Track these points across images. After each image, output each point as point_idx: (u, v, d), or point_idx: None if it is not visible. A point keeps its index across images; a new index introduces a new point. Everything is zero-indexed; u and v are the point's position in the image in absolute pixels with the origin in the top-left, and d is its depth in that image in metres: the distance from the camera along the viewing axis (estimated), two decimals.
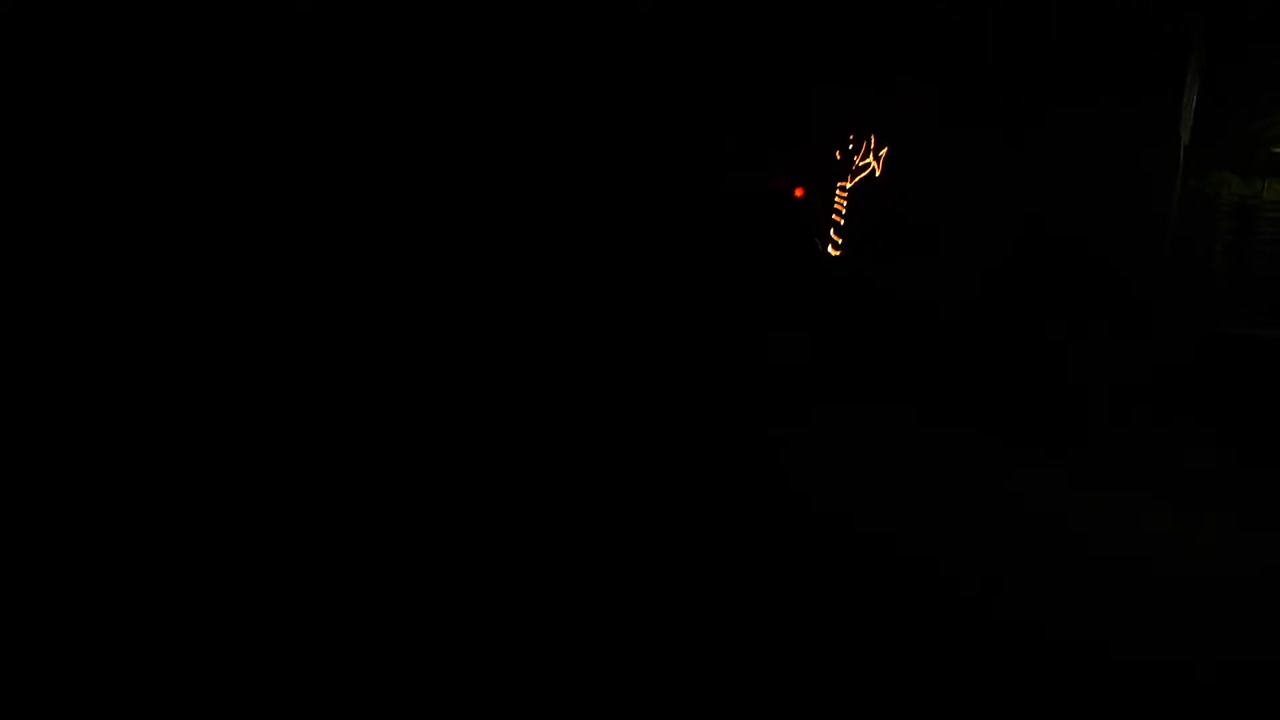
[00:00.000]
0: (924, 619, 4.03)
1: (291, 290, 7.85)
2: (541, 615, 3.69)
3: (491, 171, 8.99)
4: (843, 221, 10.16)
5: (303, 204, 8.07)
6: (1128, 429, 8.47)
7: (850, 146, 10.16)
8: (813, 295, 10.07)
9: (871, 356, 9.68)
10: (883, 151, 9.94)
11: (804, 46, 10.04)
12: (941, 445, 7.61)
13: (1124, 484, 6.86)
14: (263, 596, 3.52)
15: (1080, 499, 6.37)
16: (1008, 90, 9.26)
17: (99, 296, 6.98)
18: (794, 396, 9.14)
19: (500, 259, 9.04)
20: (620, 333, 9.40)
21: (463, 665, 3.28)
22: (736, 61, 10.07)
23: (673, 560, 4.51)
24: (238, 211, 7.78)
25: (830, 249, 10.19)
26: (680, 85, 10.16)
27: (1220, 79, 8.78)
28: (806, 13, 10.00)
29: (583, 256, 9.65)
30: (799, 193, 10.30)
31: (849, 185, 10.13)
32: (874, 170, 9.99)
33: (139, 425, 5.17)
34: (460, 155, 8.84)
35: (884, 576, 4.53)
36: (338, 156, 8.18)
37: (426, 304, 8.30)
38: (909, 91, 9.73)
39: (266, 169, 7.89)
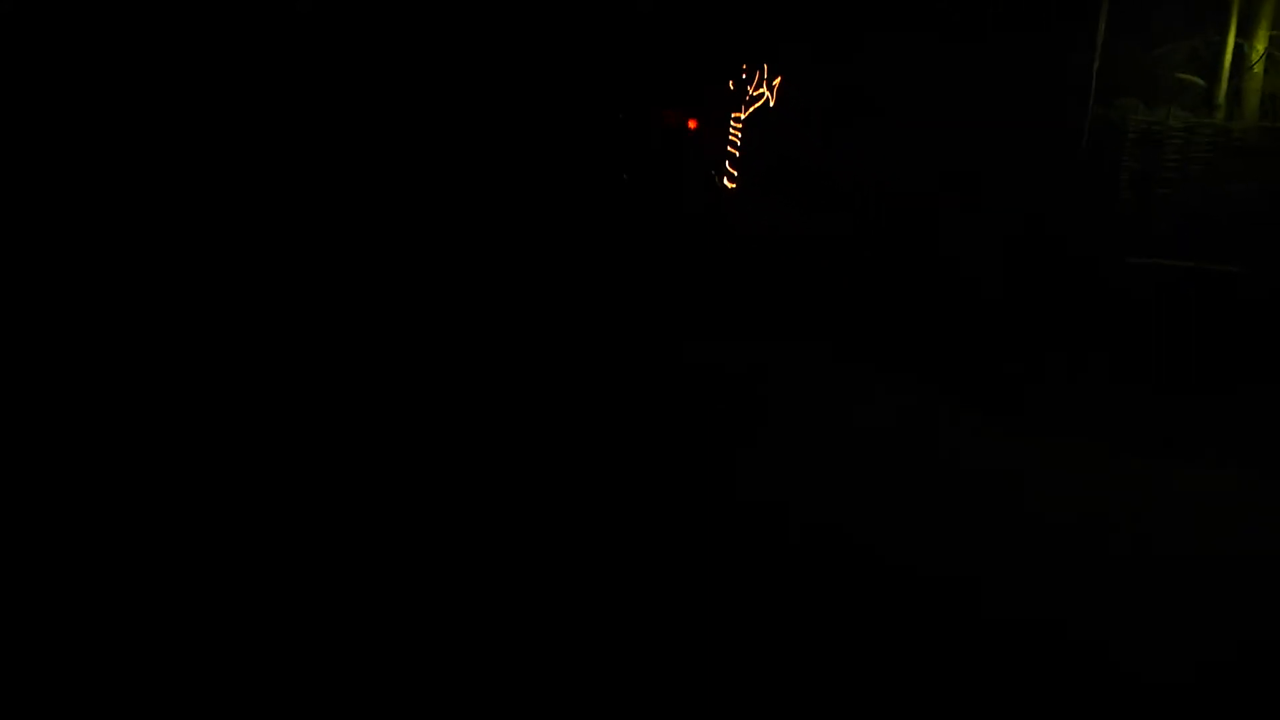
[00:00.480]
0: None
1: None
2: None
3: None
4: (738, 154, 9.62)
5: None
6: (1037, 361, 8.05)
7: (744, 76, 9.60)
8: (710, 229, 9.57)
9: (770, 292, 9.21)
10: (776, 81, 9.39)
11: None
12: (849, 383, 7.21)
13: (1014, 413, 6.61)
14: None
15: (975, 437, 6.09)
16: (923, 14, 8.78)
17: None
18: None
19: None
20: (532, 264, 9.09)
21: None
22: None
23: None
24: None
25: (726, 181, 9.65)
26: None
27: (1126, 5, 8.35)
28: None
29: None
30: (692, 124, 9.75)
31: (743, 116, 9.59)
32: (768, 100, 9.45)
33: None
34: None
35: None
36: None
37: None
38: (809, 17, 9.20)
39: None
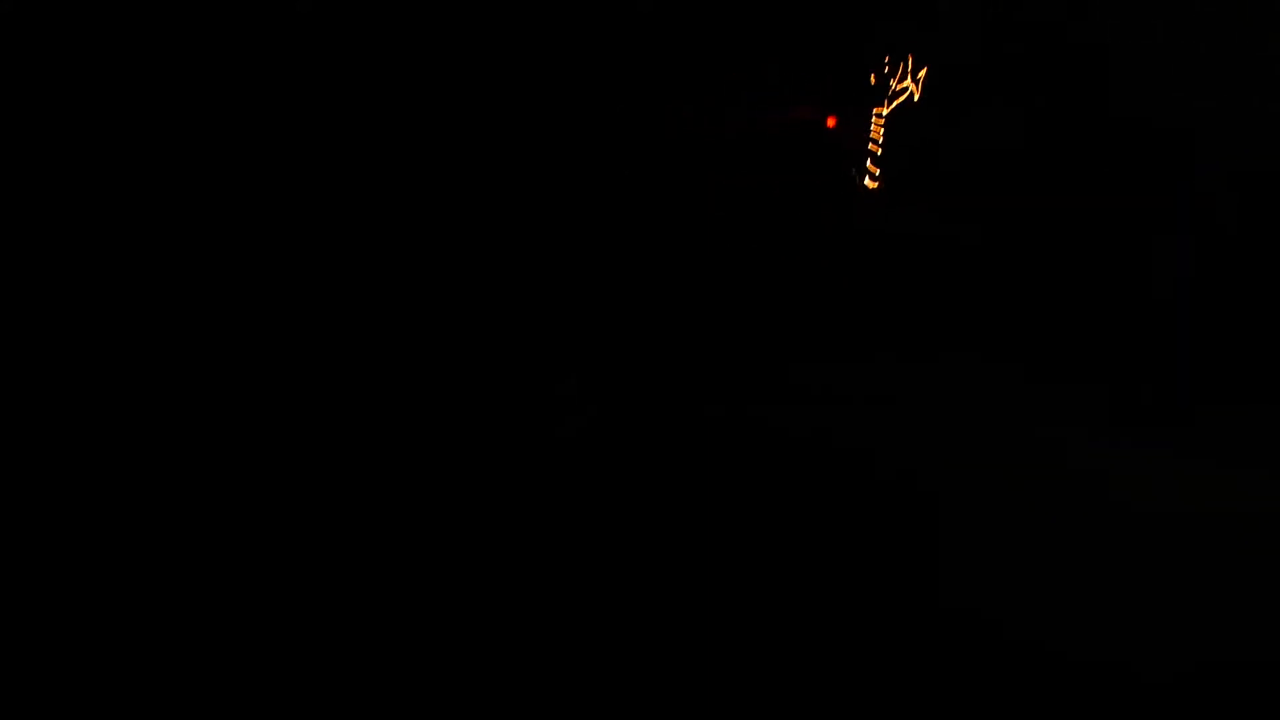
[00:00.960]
0: None
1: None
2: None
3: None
4: (880, 151, 9.20)
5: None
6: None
7: (886, 69, 9.14)
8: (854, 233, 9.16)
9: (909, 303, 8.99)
10: (922, 73, 9.02)
11: None
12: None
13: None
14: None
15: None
16: None
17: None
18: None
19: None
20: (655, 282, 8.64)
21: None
22: None
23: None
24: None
25: (868, 181, 9.22)
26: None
27: None
28: None
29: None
30: (831, 122, 9.19)
31: (885, 112, 9.16)
32: (912, 95, 9.07)
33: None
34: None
35: None
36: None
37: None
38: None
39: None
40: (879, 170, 9.20)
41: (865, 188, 9.23)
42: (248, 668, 3.20)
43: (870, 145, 9.21)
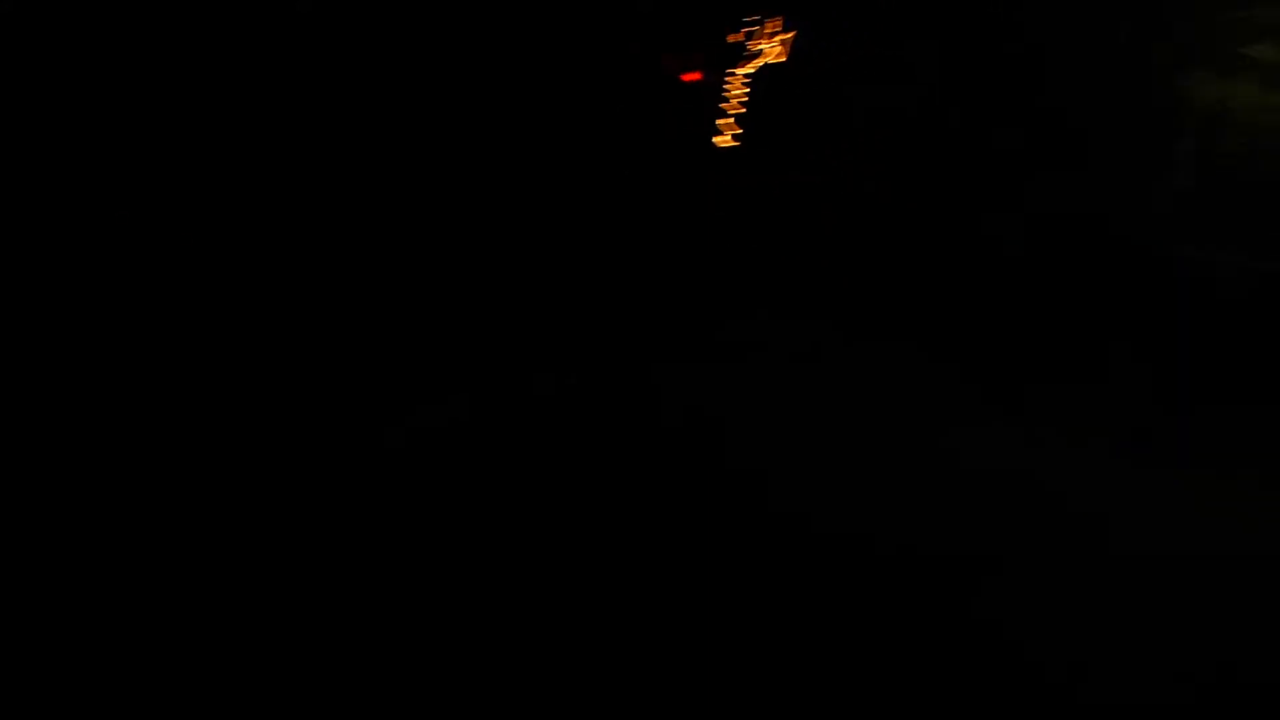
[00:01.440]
0: None
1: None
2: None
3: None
4: (738, 110, 8.11)
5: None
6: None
7: (750, 29, 8.27)
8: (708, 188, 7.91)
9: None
10: (790, 34, 8.13)
11: None
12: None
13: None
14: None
15: None
16: None
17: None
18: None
19: None
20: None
21: None
22: None
23: None
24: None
25: (725, 139, 8.06)
26: None
27: None
28: None
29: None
30: (691, 76, 8.21)
31: (747, 71, 8.17)
32: (779, 55, 8.13)
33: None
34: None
35: None
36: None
37: None
38: None
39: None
40: (740, 129, 8.07)
41: (725, 145, 8.07)
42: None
43: (731, 103, 8.15)
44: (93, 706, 2.91)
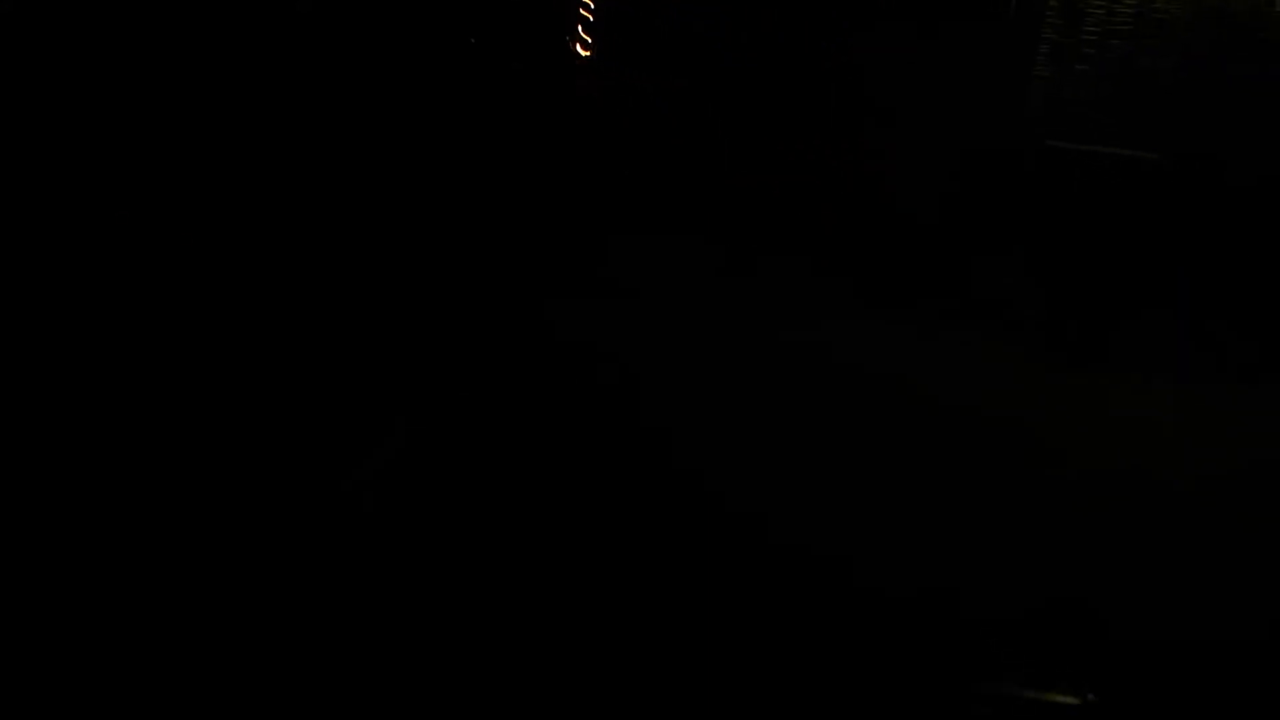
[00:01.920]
0: None
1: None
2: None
3: None
4: (592, 17, 7.77)
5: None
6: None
7: None
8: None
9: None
10: None
11: None
12: None
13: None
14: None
15: None
16: None
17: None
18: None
19: None
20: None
21: None
22: None
23: None
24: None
25: (579, 49, 7.71)
26: None
27: None
28: None
29: None
30: None
31: None
32: None
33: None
34: None
35: None
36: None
37: None
38: None
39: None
40: (592, 39, 7.71)
41: (579, 56, 7.70)
42: None
43: (582, 12, 7.78)
44: None
